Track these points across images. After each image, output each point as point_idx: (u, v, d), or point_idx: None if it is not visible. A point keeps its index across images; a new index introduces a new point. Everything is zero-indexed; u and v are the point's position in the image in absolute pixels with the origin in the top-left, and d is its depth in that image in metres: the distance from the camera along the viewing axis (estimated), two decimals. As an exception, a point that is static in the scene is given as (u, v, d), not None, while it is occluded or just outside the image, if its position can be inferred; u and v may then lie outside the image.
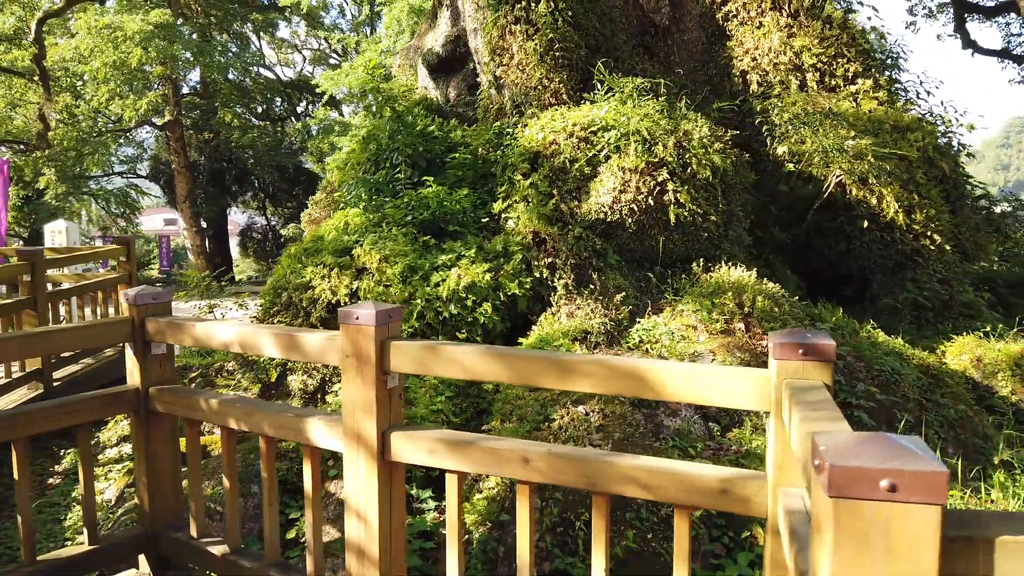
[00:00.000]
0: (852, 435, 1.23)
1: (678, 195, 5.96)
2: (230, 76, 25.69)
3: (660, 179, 5.98)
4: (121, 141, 26.43)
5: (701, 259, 6.13)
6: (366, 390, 2.73)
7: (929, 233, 6.99)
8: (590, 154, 6.15)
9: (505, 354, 2.57)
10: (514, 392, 4.79)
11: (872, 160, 6.22)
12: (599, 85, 6.82)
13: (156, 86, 23.84)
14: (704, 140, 6.26)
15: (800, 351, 2.21)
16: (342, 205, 6.92)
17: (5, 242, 14.27)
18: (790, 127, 6.38)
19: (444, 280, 5.54)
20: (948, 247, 7.04)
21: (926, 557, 1.10)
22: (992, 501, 4.87)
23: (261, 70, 29.90)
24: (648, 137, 6.06)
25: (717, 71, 8.00)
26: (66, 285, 8.35)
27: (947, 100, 9.79)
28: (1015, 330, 6.60)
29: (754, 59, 7.67)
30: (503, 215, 6.28)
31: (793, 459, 2.27)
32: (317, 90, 21.58)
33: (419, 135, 6.94)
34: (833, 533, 1.12)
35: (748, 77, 7.70)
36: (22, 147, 24.21)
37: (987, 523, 1.17)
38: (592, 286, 5.90)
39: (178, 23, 22.96)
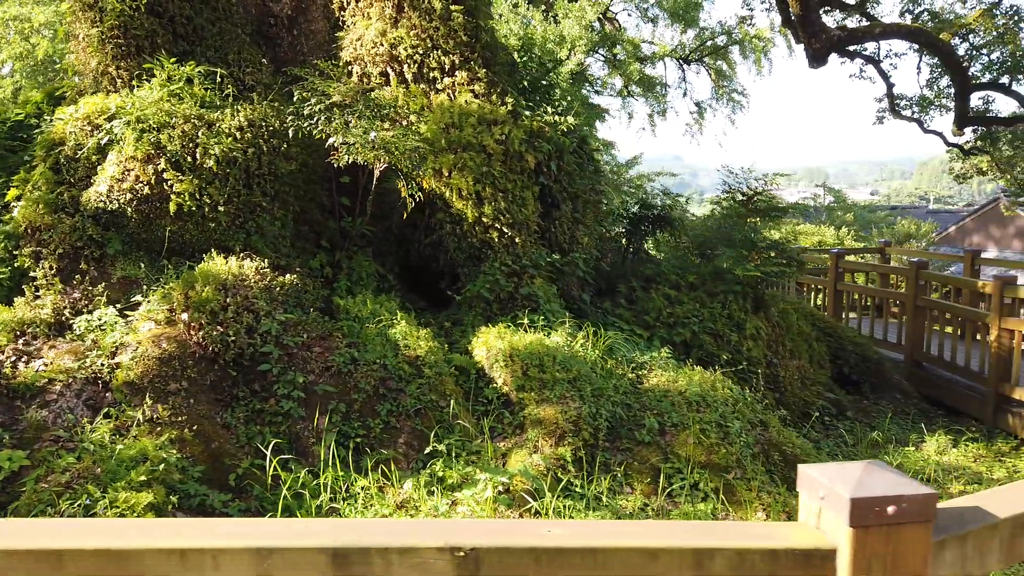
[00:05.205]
0: None
1: (178, 184, 5.87)
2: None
3: (160, 168, 5.89)
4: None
5: (213, 249, 6.06)
6: None
7: (498, 226, 7.03)
8: (95, 141, 6.03)
9: None
10: None
11: (396, 153, 6.21)
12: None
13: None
14: (231, 129, 6.19)
15: None
16: None
17: None
18: (323, 117, 6.34)
19: None
20: (519, 240, 7.08)
21: None
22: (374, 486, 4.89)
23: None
24: (154, 125, 5.96)
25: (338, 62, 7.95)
26: None
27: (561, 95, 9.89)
28: (557, 323, 6.67)
29: (355, 50, 7.63)
30: (13, 204, 6.13)
31: None
32: None
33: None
34: None
35: (352, 68, 7.66)
36: None
37: None
38: (79, 276, 5.79)
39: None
